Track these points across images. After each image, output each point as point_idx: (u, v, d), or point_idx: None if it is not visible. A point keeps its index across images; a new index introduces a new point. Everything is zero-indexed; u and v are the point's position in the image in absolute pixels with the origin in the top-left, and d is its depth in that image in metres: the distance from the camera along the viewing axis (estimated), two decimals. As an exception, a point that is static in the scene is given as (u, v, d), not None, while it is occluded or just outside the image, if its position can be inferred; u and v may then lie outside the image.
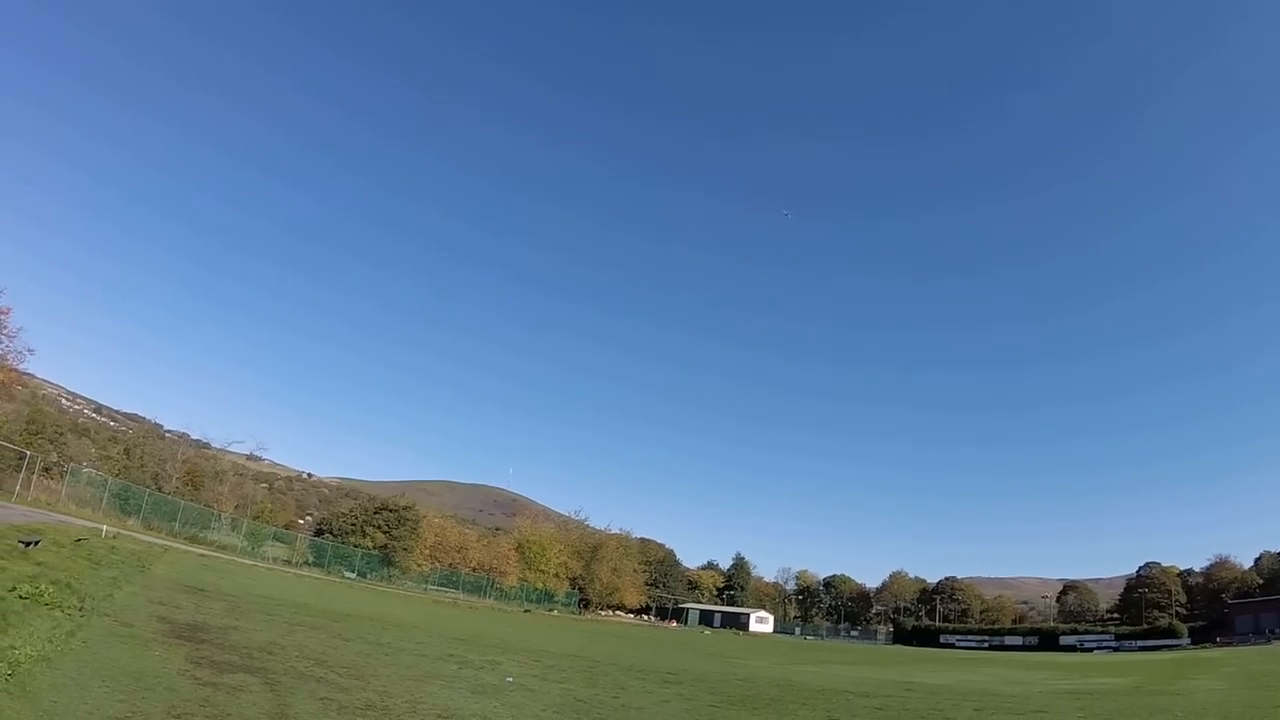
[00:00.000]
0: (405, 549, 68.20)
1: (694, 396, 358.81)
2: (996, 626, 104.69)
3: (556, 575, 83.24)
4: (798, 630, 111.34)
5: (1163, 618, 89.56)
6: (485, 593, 71.54)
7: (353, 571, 61.49)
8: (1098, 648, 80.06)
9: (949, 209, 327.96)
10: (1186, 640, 76.29)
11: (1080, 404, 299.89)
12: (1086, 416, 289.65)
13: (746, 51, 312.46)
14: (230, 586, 23.28)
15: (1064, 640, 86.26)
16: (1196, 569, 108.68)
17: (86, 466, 56.08)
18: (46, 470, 47.85)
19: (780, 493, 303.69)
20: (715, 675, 20.03)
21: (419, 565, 70.20)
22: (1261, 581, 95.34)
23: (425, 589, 65.79)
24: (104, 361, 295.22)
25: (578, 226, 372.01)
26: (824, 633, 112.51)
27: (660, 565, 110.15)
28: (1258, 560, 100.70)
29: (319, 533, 74.00)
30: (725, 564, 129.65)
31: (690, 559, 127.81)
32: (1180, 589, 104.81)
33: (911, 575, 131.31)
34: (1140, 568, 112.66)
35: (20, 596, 10.35)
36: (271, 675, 9.18)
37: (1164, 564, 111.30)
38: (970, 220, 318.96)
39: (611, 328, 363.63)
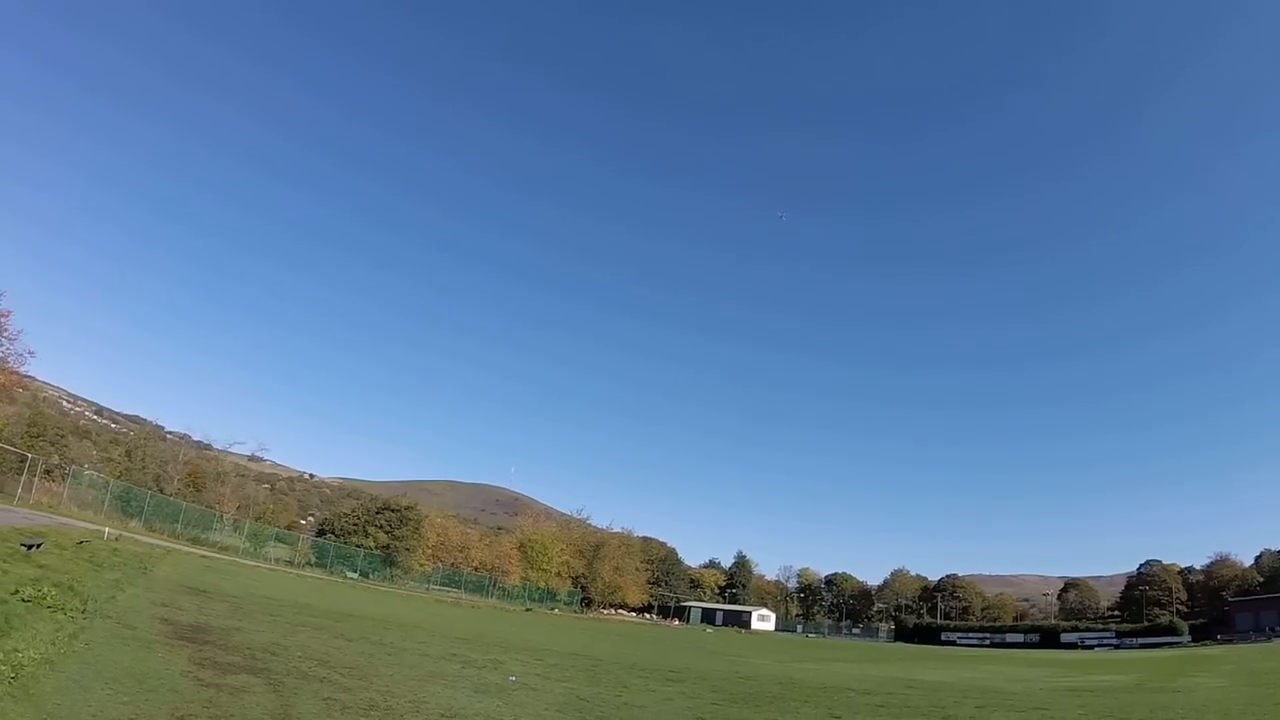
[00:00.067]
0: (408, 549, 68.23)
1: (695, 395, 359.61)
2: (998, 624, 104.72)
3: (559, 574, 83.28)
4: (800, 628, 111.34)
5: (1163, 615, 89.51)
6: (488, 592, 71.60)
7: (355, 572, 61.54)
8: (1099, 645, 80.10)
9: (949, 207, 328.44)
10: (1187, 638, 76.33)
11: (1081, 402, 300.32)
12: (1087, 414, 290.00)
13: (747, 50, 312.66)
14: (233, 588, 23.31)
15: (1065, 638, 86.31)
16: (1197, 567, 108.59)
17: (88, 469, 56.19)
18: (48, 473, 47.98)
19: (781, 491, 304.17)
20: (718, 673, 20.05)
21: (421, 565, 70.23)
22: (1262, 579, 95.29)
23: (428, 589, 65.86)
24: (105, 363, 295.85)
25: (578, 225, 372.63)
26: (826, 630, 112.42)
27: (662, 564, 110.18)
28: (1258, 558, 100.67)
29: (321, 533, 74.02)
30: (727, 562, 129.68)
31: (692, 557, 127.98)
32: (1181, 587, 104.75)
33: (913, 573, 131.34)
34: (1141, 565, 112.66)
35: (23, 599, 10.37)
36: (275, 676, 9.20)
37: (1165, 562, 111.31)
38: (970, 218, 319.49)
39: (612, 327, 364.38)
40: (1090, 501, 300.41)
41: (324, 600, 27.55)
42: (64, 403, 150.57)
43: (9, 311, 42.74)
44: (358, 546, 66.10)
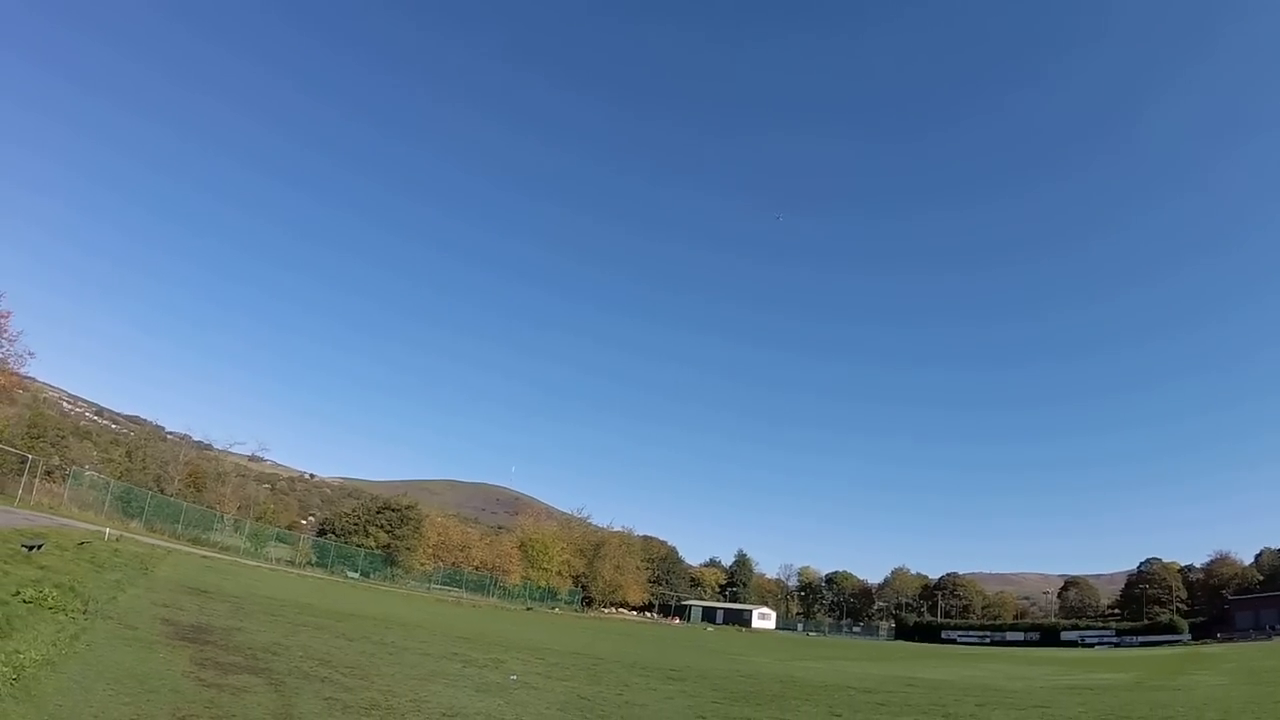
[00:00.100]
0: (408, 548, 68.26)
1: (695, 394, 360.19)
2: (998, 622, 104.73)
3: (559, 573, 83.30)
4: (800, 627, 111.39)
5: (1163, 614, 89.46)
6: (488, 591, 71.60)
7: (356, 571, 61.53)
8: (1099, 643, 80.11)
9: (949, 206, 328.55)
10: (1187, 636, 76.28)
11: (1081, 400, 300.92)
12: (1087, 413, 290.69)
13: (747, 50, 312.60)
14: (234, 588, 23.32)
15: (1065, 636, 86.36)
16: (1197, 565, 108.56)
17: (88, 469, 56.17)
18: (48, 474, 47.99)
19: (782, 489, 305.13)
20: (718, 672, 20.06)
21: (422, 564, 70.26)
22: (1262, 578, 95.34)
23: (429, 588, 65.88)
24: (105, 364, 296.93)
25: (579, 225, 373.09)
26: (826, 629, 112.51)
27: (663, 563, 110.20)
28: (1258, 556, 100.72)
29: (322, 533, 74.03)
30: (727, 561, 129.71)
31: (692, 556, 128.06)
32: (1181, 585, 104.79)
33: (913, 571, 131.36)
34: (1141, 564, 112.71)
35: (24, 600, 10.38)
36: (276, 676, 9.22)
37: (1165, 560, 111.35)
38: (970, 218, 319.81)
39: (613, 326, 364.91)
40: (1090, 500, 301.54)
41: (325, 600, 27.55)
42: (64, 403, 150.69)
43: (9, 312, 42.83)
44: (358, 546, 66.11)
